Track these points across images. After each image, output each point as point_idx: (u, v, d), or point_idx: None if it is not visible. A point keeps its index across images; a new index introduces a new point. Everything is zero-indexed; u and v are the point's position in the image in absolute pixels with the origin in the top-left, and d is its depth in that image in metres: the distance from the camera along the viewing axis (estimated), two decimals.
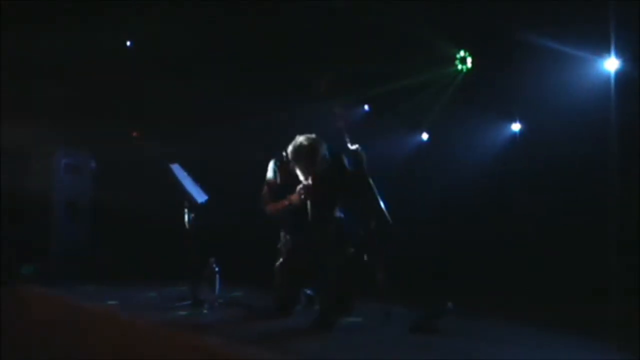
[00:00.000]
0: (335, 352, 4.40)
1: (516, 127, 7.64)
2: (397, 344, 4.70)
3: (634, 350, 4.28)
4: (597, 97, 6.58)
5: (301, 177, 5.71)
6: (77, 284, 7.43)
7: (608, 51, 6.57)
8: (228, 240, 7.54)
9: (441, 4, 7.62)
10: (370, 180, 5.44)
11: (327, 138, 5.70)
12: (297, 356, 4.19)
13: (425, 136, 8.54)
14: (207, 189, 6.67)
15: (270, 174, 6.02)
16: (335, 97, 5.96)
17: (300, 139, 5.70)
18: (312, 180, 5.69)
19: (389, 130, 8.53)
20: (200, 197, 6.60)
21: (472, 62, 7.83)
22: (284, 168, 5.90)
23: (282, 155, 5.88)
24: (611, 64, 6.56)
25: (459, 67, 7.92)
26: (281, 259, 5.82)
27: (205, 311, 5.93)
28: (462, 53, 7.87)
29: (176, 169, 6.69)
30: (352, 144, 5.59)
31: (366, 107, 9.03)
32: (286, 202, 5.79)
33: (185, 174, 6.71)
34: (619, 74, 6.50)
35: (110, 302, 6.28)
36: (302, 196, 5.69)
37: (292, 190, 5.73)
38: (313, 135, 5.71)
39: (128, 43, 9.69)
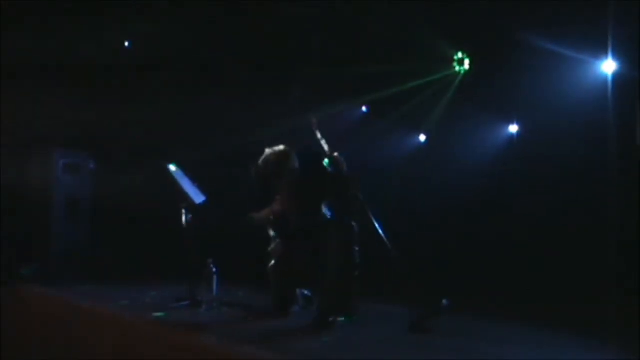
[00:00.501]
0: (334, 352, 4.40)
1: (514, 128, 7.65)
2: (397, 344, 4.71)
3: (634, 350, 4.29)
4: (595, 99, 6.60)
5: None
6: (77, 284, 7.42)
7: (605, 53, 6.58)
8: (226, 241, 7.53)
9: (439, 6, 7.63)
10: (367, 208, 5.44)
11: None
12: (295, 356, 4.20)
13: (423, 137, 8.54)
14: (205, 190, 6.67)
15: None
16: (308, 106, 6.01)
17: (268, 152, 5.82)
18: (283, 192, 5.86)
19: (387, 132, 8.54)
20: (198, 198, 6.61)
21: (470, 64, 7.84)
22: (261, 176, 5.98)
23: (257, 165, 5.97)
24: (609, 66, 6.58)
25: (457, 68, 7.93)
26: (273, 262, 5.86)
27: (203, 311, 5.92)
28: (460, 55, 7.88)
29: (174, 170, 6.69)
30: (329, 152, 5.65)
31: (364, 108, 9.04)
32: (270, 217, 5.97)
33: (183, 174, 6.71)
34: (616, 76, 6.52)
35: (108, 302, 6.28)
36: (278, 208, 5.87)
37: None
38: (281, 147, 5.84)
39: (127, 43, 9.68)
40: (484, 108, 7.62)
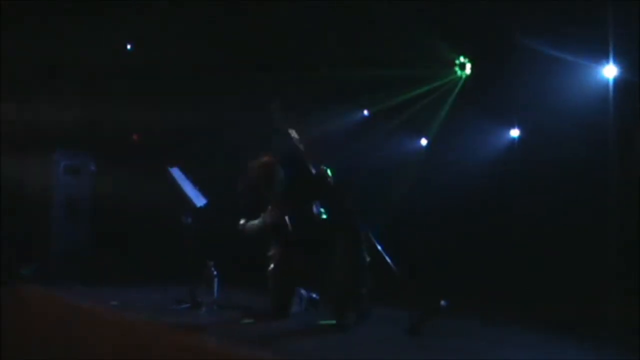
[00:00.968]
0: (333, 353, 4.40)
1: (515, 132, 7.65)
2: (396, 345, 4.71)
3: (634, 350, 4.29)
4: (596, 104, 6.60)
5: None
6: (77, 285, 7.43)
7: (607, 58, 6.58)
8: (227, 243, 7.53)
9: (440, 9, 7.65)
10: (375, 242, 5.46)
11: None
12: (294, 357, 4.20)
13: (424, 141, 8.55)
14: (206, 192, 6.68)
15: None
16: (289, 123, 6.01)
17: (253, 164, 5.90)
18: (273, 202, 5.89)
19: (388, 135, 8.54)
20: (199, 200, 6.62)
21: (471, 68, 7.85)
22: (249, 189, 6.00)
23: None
24: (610, 71, 6.58)
25: (458, 73, 7.94)
26: (272, 265, 5.88)
27: (203, 313, 5.93)
28: (461, 59, 7.89)
29: (175, 172, 6.70)
30: (314, 167, 5.68)
31: (365, 112, 9.05)
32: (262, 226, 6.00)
33: (184, 177, 6.72)
34: (617, 80, 6.52)
35: (109, 303, 6.28)
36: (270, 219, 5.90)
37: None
38: (265, 158, 5.90)
39: (128, 46, 9.71)
40: (486, 112, 7.61)
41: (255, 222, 6.10)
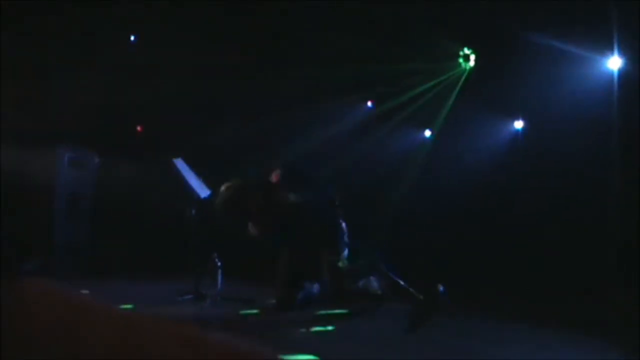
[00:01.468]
0: (333, 347, 4.41)
1: (519, 125, 7.64)
2: (396, 340, 4.74)
3: (634, 349, 4.28)
4: (600, 96, 6.58)
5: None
6: (79, 278, 7.44)
7: (611, 50, 6.56)
8: (230, 235, 7.55)
9: (444, 3, 7.62)
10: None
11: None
12: (295, 347, 4.21)
13: (427, 133, 8.54)
14: (209, 184, 6.69)
15: None
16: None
17: (222, 190, 5.91)
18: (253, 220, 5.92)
19: (392, 128, 8.55)
20: (203, 192, 6.62)
21: (476, 60, 7.83)
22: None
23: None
24: (614, 63, 6.56)
25: (463, 65, 7.92)
26: (281, 260, 5.88)
27: (207, 305, 5.94)
28: (465, 51, 7.87)
29: (179, 163, 6.70)
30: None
31: (369, 104, 9.05)
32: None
33: (188, 168, 6.72)
34: (622, 72, 6.50)
35: (111, 296, 6.29)
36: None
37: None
38: (230, 184, 5.90)
39: (132, 37, 9.70)
40: (489, 104, 7.60)
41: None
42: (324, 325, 5.13)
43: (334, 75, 8.35)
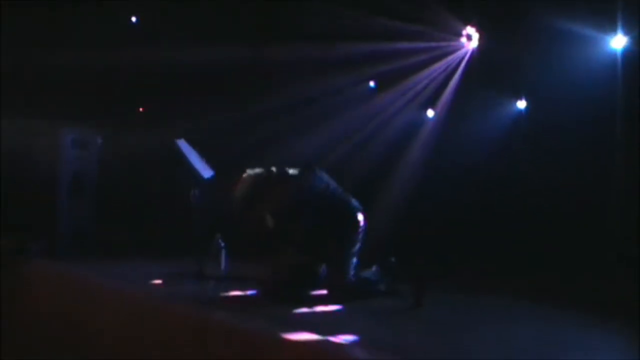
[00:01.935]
0: (334, 324, 4.42)
1: (522, 104, 7.63)
2: (397, 318, 4.77)
3: (635, 328, 4.29)
4: (604, 75, 6.56)
5: None
6: (83, 260, 7.45)
7: (615, 29, 6.53)
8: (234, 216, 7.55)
9: None
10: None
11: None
12: (298, 327, 4.22)
13: (430, 113, 8.53)
14: (212, 165, 6.69)
15: None
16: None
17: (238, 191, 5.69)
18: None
19: (394, 108, 8.53)
20: (206, 172, 6.62)
21: (479, 39, 7.80)
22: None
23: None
24: (618, 42, 6.54)
25: (465, 43, 7.89)
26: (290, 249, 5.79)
27: (211, 286, 5.95)
28: (468, 30, 7.83)
29: (182, 144, 6.70)
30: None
31: (372, 83, 9.02)
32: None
33: (190, 149, 6.72)
34: (626, 52, 6.47)
35: (115, 277, 6.31)
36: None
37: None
38: (245, 177, 5.70)
39: (133, 18, 9.68)
40: (491, 84, 7.58)
41: None
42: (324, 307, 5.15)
43: (336, 54, 8.33)
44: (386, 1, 7.86)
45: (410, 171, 8.12)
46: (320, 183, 5.61)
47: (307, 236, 5.55)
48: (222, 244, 6.22)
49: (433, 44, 7.93)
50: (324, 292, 5.53)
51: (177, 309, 5.03)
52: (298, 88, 8.51)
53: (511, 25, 7.26)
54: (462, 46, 7.89)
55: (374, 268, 5.65)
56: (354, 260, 5.41)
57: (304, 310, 4.97)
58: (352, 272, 5.41)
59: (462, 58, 7.91)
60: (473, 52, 7.84)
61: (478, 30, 7.77)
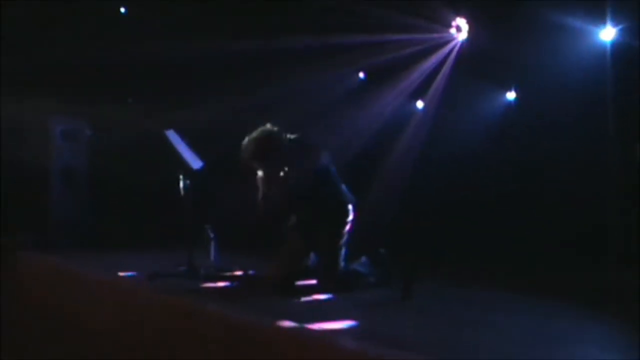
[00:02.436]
0: (324, 315, 4.43)
1: (511, 96, 7.65)
2: (388, 308, 4.79)
3: (629, 319, 4.31)
4: (593, 67, 6.58)
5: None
6: (75, 252, 7.44)
7: (604, 21, 6.55)
8: (225, 207, 7.56)
9: None
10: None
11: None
12: (290, 319, 4.23)
13: (420, 104, 8.54)
14: (202, 155, 6.67)
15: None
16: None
17: (247, 140, 5.52)
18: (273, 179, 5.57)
19: (384, 99, 8.53)
20: (195, 163, 6.60)
21: (468, 31, 7.81)
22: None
23: None
24: (607, 34, 6.56)
25: (455, 35, 7.90)
26: (287, 239, 5.73)
27: (201, 277, 5.95)
28: (458, 21, 7.84)
29: (171, 135, 6.67)
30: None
31: (361, 75, 9.02)
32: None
33: (180, 140, 6.69)
34: (615, 43, 6.50)
35: (106, 269, 6.30)
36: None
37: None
38: (260, 131, 5.53)
39: (122, 10, 9.64)
40: (480, 75, 7.60)
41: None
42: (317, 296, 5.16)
43: (325, 44, 8.31)
44: None
45: (400, 162, 8.13)
46: (329, 164, 5.61)
47: (305, 220, 5.55)
48: (212, 235, 6.21)
49: (422, 35, 7.92)
50: (314, 282, 5.52)
51: (169, 301, 5.03)
52: (287, 80, 8.48)
53: (501, 17, 7.27)
54: (452, 37, 7.90)
55: (362, 259, 5.64)
56: (344, 250, 5.42)
57: (294, 300, 4.98)
58: (342, 263, 5.41)
59: (452, 49, 7.91)
60: (463, 43, 7.84)
61: (468, 22, 7.77)
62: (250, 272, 6.16)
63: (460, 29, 7.87)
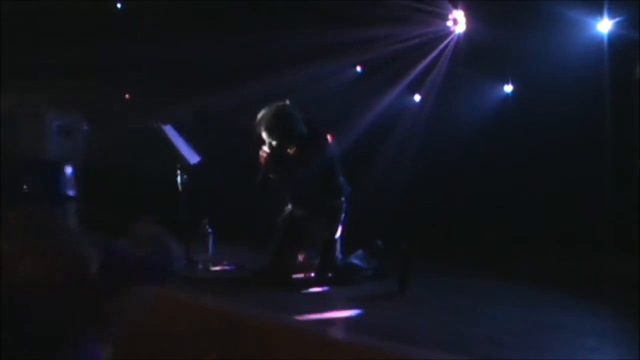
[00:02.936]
0: (321, 307, 4.44)
1: (508, 88, 7.64)
2: (384, 300, 4.79)
3: (623, 310, 4.32)
4: (590, 59, 6.58)
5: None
6: None
7: (601, 12, 6.54)
8: (222, 201, 7.54)
9: None
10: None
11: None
12: (286, 312, 4.23)
13: (417, 98, 8.52)
14: (200, 150, 6.66)
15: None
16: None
17: (264, 111, 5.57)
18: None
19: (381, 92, 8.51)
20: (192, 158, 6.59)
21: (465, 23, 7.79)
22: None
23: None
24: (604, 26, 6.54)
25: (452, 27, 7.88)
26: (279, 231, 5.76)
27: (198, 271, 5.94)
28: (455, 14, 7.82)
29: (168, 130, 6.66)
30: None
31: (358, 68, 9.00)
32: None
33: (177, 134, 6.68)
34: (612, 35, 6.48)
35: None
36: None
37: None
38: (279, 104, 5.58)
39: (119, 5, 9.62)
40: (477, 68, 7.59)
41: None
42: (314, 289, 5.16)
43: (322, 38, 8.29)
44: None
45: (397, 155, 8.12)
46: (335, 152, 5.62)
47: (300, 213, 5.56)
48: (209, 229, 6.21)
49: (420, 28, 7.89)
50: (312, 274, 5.53)
51: (166, 294, 5.02)
52: (284, 73, 8.45)
53: (498, 10, 7.25)
54: (449, 30, 7.87)
55: (360, 252, 5.63)
56: (339, 242, 5.42)
57: (291, 293, 4.99)
58: (339, 256, 5.42)
59: (449, 42, 7.89)
60: (460, 36, 7.82)
61: (465, 14, 7.75)
62: (247, 265, 6.15)
63: (457, 22, 7.84)
